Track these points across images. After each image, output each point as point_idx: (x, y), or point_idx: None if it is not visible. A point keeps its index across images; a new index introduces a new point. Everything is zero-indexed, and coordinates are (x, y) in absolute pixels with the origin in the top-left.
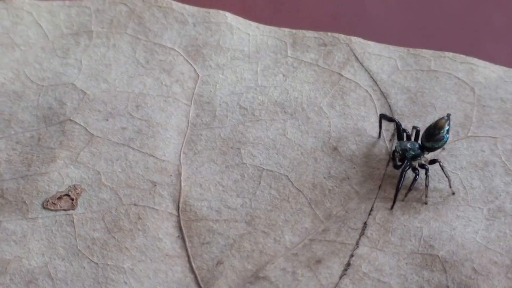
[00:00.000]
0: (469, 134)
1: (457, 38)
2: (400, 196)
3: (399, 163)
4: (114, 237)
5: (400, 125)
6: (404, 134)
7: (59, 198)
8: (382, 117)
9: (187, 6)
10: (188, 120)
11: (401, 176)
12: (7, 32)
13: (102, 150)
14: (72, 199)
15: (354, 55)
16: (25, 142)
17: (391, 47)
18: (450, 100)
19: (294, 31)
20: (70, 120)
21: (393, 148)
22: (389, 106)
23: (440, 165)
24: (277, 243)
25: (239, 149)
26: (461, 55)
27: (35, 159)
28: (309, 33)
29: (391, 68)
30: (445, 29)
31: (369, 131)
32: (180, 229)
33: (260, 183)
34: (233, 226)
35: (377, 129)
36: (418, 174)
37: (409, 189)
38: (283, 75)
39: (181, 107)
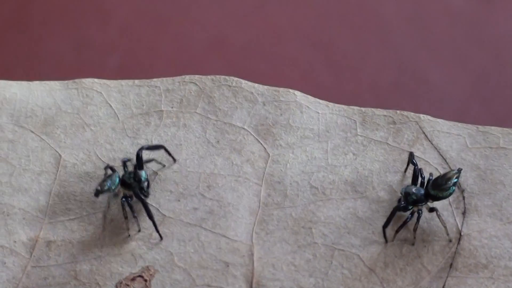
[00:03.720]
0: None
1: None
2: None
3: (401, 205)
4: None
5: (418, 171)
6: (420, 180)
7: (133, 279)
8: (411, 156)
9: (256, 85)
10: (260, 200)
11: (392, 213)
12: (77, 113)
13: (175, 230)
14: (146, 280)
15: (424, 133)
16: (97, 223)
17: (460, 125)
18: None
19: (363, 109)
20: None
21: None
22: (459, 183)
23: (437, 214)
24: None
25: (311, 228)
26: None
27: (108, 241)
28: (378, 111)
29: (460, 146)
30: (508, 100)
31: (439, 209)
32: None
33: (332, 263)
34: None
35: (448, 207)
36: (410, 218)
37: (397, 231)
38: (353, 154)
39: (252, 186)
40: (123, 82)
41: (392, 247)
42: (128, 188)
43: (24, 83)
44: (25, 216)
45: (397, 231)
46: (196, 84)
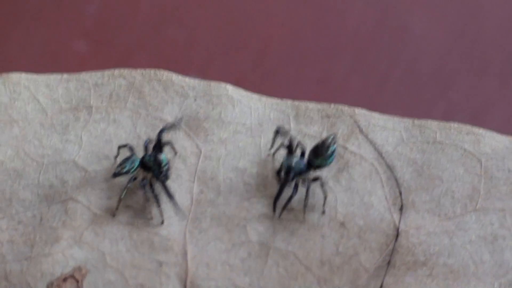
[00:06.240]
0: (477, 207)
1: (460, 106)
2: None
3: (283, 179)
4: None
5: (293, 141)
6: (297, 150)
7: (64, 280)
8: (278, 131)
9: (187, 79)
10: (192, 197)
11: (281, 189)
12: (5, 108)
13: (106, 229)
14: (77, 281)
15: (359, 127)
16: (27, 222)
17: (396, 119)
18: (457, 172)
19: (296, 103)
20: (72, 198)
21: (281, 164)
22: (395, 179)
23: (320, 182)
24: None
25: (245, 226)
26: (467, 126)
27: (38, 240)
28: (312, 105)
29: (396, 140)
30: (443, 94)
31: (376, 205)
32: None
33: (267, 261)
34: None
35: (384, 203)
36: (295, 193)
37: (283, 208)
38: (287, 149)
39: (184, 184)
40: (51, 76)
41: (329, 244)
42: (148, 171)
43: None
44: None
45: (284, 206)
46: (126, 78)
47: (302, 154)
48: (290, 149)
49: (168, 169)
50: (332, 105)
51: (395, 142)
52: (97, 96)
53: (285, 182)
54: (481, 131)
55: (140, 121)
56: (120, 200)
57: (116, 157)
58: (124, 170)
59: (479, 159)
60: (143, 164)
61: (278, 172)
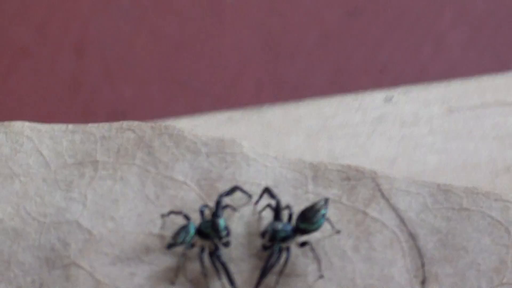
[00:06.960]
0: (504, 281)
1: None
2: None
3: (268, 244)
4: None
5: (280, 204)
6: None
7: None
8: (266, 190)
9: (199, 134)
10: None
11: (268, 258)
12: (6, 161)
13: None
14: None
15: (380, 191)
16: (25, 287)
17: (420, 182)
18: (483, 243)
19: (315, 163)
20: (75, 263)
21: (265, 228)
22: (418, 249)
23: (310, 247)
24: None
25: None
26: (495, 192)
27: None
28: (331, 166)
29: (420, 206)
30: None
31: (396, 278)
32: None
33: None
34: None
35: (405, 275)
36: (277, 258)
37: (263, 275)
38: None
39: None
40: (56, 126)
41: None
42: (206, 238)
43: None
44: None
45: (265, 273)
46: (135, 132)
47: (290, 217)
48: (277, 212)
49: (227, 234)
50: (352, 166)
51: (419, 208)
52: (103, 150)
53: (272, 250)
54: (509, 197)
55: (149, 180)
56: (178, 269)
57: (163, 216)
58: (180, 240)
59: (507, 228)
60: (199, 232)
61: (263, 234)
